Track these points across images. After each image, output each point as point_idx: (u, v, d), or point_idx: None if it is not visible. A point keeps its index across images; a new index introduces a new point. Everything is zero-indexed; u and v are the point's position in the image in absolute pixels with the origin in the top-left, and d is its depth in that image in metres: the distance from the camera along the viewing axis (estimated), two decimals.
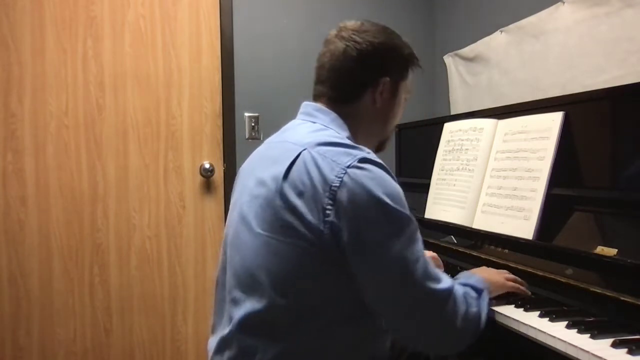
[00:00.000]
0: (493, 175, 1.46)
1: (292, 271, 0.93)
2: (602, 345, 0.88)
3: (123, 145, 2.23)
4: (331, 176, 0.91)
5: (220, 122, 2.35)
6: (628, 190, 1.12)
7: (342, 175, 0.91)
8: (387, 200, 0.91)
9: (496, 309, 1.11)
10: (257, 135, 2.38)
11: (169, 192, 2.29)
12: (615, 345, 0.87)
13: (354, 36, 1.06)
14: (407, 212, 0.94)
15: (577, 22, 1.71)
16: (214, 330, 1.09)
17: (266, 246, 0.95)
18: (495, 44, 2.14)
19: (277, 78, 2.41)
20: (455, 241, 1.57)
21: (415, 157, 2.13)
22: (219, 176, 2.34)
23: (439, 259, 1.42)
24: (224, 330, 1.01)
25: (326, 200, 0.90)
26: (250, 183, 1.04)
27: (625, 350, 0.86)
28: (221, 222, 2.36)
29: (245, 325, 0.97)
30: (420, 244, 0.95)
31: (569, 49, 1.75)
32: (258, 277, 0.95)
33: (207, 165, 2.31)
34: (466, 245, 1.50)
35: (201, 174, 2.32)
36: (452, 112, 2.45)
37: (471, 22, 2.39)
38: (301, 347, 0.95)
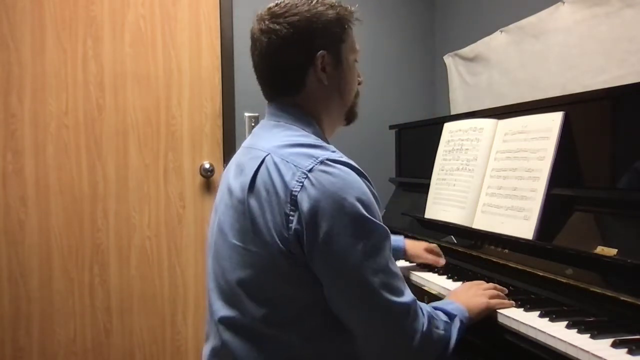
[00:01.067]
0: (493, 175, 1.46)
1: (267, 281, 0.93)
2: (602, 345, 0.88)
3: (123, 145, 2.23)
4: (292, 181, 0.89)
5: (220, 122, 2.35)
6: (628, 190, 1.12)
7: (302, 179, 0.89)
8: (351, 204, 0.88)
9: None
10: None
11: (169, 192, 2.29)
12: (615, 345, 0.87)
13: (271, 25, 0.99)
14: (374, 217, 0.91)
15: (577, 22, 1.71)
16: (207, 338, 1.08)
17: (240, 257, 0.95)
18: (495, 44, 2.14)
19: None
20: (455, 241, 1.57)
21: (415, 157, 2.13)
22: (219, 176, 2.34)
23: (438, 249, 1.48)
24: (214, 340, 1.02)
25: (288, 207, 0.88)
26: (225, 191, 1.04)
27: (625, 350, 0.86)
28: None
29: (232, 336, 0.96)
30: (386, 253, 0.92)
31: (569, 49, 1.75)
32: (237, 289, 0.95)
33: (207, 165, 2.31)
34: (466, 245, 1.50)
35: (201, 174, 2.32)
36: (452, 112, 2.45)
37: (471, 22, 2.39)
38: (287, 356, 0.94)
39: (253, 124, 2.38)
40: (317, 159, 0.91)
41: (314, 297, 0.93)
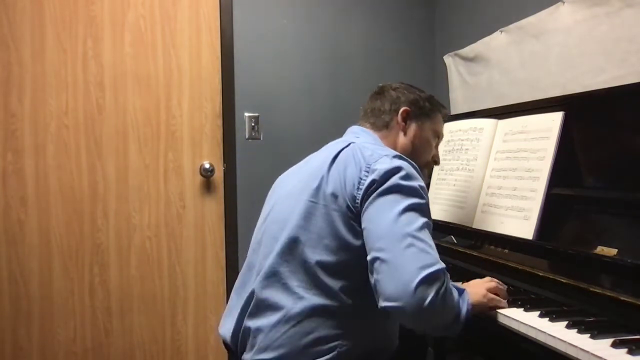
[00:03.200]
0: (493, 175, 1.46)
1: (325, 232, 1.08)
2: (602, 345, 0.88)
3: (123, 145, 2.23)
4: (370, 158, 1.10)
5: (220, 122, 2.35)
6: (628, 190, 1.12)
7: (379, 158, 1.10)
8: (412, 174, 1.07)
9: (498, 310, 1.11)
10: (257, 135, 2.38)
11: (169, 192, 2.29)
12: (615, 345, 0.87)
13: (390, 88, 1.36)
14: (424, 193, 1.08)
15: (577, 22, 1.71)
16: (230, 310, 1.22)
17: (311, 209, 1.11)
18: (495, 44, 2.14)
19: (277, 78, 2.42)
20: (455, 241, 1.57)
21: None
22: (219, 176, 2.34)
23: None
24: (256, 280, 1.15)
25: (363, 173, 1.08)
26: (304, 170, 1.24)
27: (625, 350, 0.86)
28: (221, 222, 2.36)
29: (273, 275, 1.11)
30: (422, 220, 1.03)
31: (569, 49, 1.75)
32: (295, 235, 1.10)
33: (207, 165, 2.31)
34: (466, 245, 1.50)
35: (201, 174, 2.32)
36: (452, 112, 2.45)
37: (471, 22, 2.39)
38: (322, 310, 1.06)
39: (253, 124, 2.38)
40: (391, 153, 1.13)
41: (359, 256, 1.05)
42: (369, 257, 1.02)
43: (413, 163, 1.13)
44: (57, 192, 2.15)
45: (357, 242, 1.07)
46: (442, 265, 0.99)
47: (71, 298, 2.17)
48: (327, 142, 1.31)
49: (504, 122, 1.48)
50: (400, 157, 1.12)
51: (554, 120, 1.28)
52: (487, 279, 1.20)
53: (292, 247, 1.11)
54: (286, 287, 1.09)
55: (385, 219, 1.02)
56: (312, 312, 1.06)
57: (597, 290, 1.04)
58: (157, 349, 2.29)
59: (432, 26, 2.71)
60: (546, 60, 1.86)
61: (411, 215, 1.02)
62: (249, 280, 1.18)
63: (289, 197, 1.19)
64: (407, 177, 1.07)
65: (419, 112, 1.33)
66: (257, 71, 2.39)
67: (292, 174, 1.29)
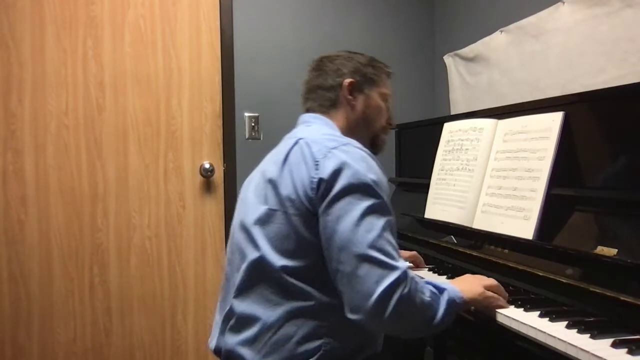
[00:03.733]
0: (493, 175, 1.46)
1: (288, 237, 1.06)
2: (602, 345, 0.88)
3: (123, 145, 2.23)
4: (318, 154, 1.06)
5: (220, 122, 2.35)
6: (628, 190, 1.12)
7: (327, 152, 1.06)
8: (361, 170, 1.03)
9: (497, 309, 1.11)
10: (257, 135, 2.38)
11: (169, 192, 2.29)
12: (615, 345, 0.87)
13: (322, 62, 1.31)
14: (379, 189, 1.04)
15: (577, 22, 1.71)
16: (216, 325, 1.19)
17: (266, 217, 1.09)
18: (495, 44, 2.14)
19: (277, 78, 2.42)
20: (455, 241, 1.57)
21: (415, 157, 2.13)
22: (219, 176, 2.34)
23: (419, 256, 1.54)
24: (230, 296, 1.13)
25: (312, 172, 1.05)
26: (256, 177, 1.20)
27: (625, 350, 0.86)
28: (221, 222, 2.36)
29: (244, 289, 1.10)
30: (382, 221, 1.01)
31: (569, 49, 1.75)
32: (259, 244, 1.08)
33: (207, 165, 2.31)
34: (466, 245, 1.50)
35: (201, 174, 2.32)
36: (452, 112, 2.45)
37: (471, 22, 2.39)
38: (300, 312, 1.04)
39: (253, 124, 2.38)
40: (341, 142, 1.09)
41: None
42: (330, 266, 1.02)
43: (362, 149, 1.10)
44: (57, 192, 2.15)
45: (320, 245, 1.05)
46: (400, 270, 0.97)
47: (71, 298, 2.17)
48: None
49: (504, 122, 1.48)
50: (346, 146, 1.08)
51: (554, 120, 1.28)
52: (485, 277, 1.19)
53: (258, 259, 1.08)
54: (260, 298, 1.07)
55: (342, 228, 0.99)
56: (290, 316, 1.05)
57: (597, 290, 1.04)
58: (157, 349, 2.29)
59: (432, 26, 2.71)
60: (546, 60, 1.86)
61: (368, 220, 1.00)
62: (228, 296, 1.16)
63: (249, 206, 1.15)
64: (355, 174, 1.03)
65: (363, 80, 1.27)
66: (257, 71, 2.39)
67: (252, 180, 1.24)
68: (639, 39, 1.50)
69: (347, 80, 1.25)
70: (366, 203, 1.01)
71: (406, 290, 0.97)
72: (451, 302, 1.04)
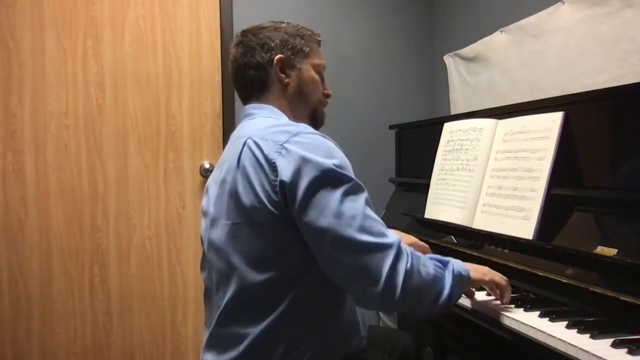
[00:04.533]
0: (493, 175, 1.46)
1: (261, 247, 1.02)
2: (602, 345, 0.88)
3: (123, 145, 2.23)
4: (271, 154, 1.00)
5: (220, 122, 2.35)
6: (628, 190, 1.12)
7: (280, 150, 1.00)
8: (321, 159, 0.98)
9: (496, 308, 1.11)
10: None
11: (169, 192, 2.29)
12: (615, 345, 0.87)
13: (242, 38, 1.24)
14: (345, 171, 1.00)
15: (577, 22, 1.71)
16: (207, 328, 1.15)
17: (234, 233, 1.04)
18: (495, 44, 2.14)
19: None
20: (455, 241, 1.57)
21: (415, 157, 2.13)
22: None
23: (421, 243, 1.39)
24: (212, 322, 1.09)
25: (271, 176, 0.99)
26: (212, 186, 1.15)
27: (625, 350, 0.86)
28: None
29: (227, 313, 1.05)
30: (361, 199, 0.99)
31: (569, 49, 1.75)
32: (233, 263, 1.03)
33: (207, 165, 2.31)
34: (466, 245, 1.50)
35: (201, 174, 2.32)
36: (452, 112, 2.45)
37: (471, 22, 2.39)
38: (284, 320, 1.01)
39: None
40: (291, 133, 1.02)
41: (305, 255, 1.01)
42: (326, 265, 1.00)
43: (314, 132, 1.04)
44: (57, 192, 2.15)
45: (296, 247, 1.01)
46: (395, 245, 0.97)
47: (71, 298, 2.17)
48: None
49: (504, 122, 1.48)
50: (297, 136, 1.01)
51: (554, 120, 1.28)
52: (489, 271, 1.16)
53: (238, 287, 1.04)
54: (245, 318, 1.04)
55: (326, 224, 0.96)
56: (275, 327, 1.02)
57: (597, 290, 1.04)
58: (157, 349, 2.29)
59: (432, 26, 2.71)
60: (546, 60, 1.86)
61: (347, 206, 0.97)
62: (213, 313, 1.12)
63: (215, 223, 1.10)
64: (317, 166, 0.97)
65: (293, 54, 1.19)
66: None
67: (209, 189, 1.18)
68: (639, 39, 1.50)
69: (277, 57, 1.16)
70: (339, 191, 0.97)
71: (409, 265, 0.96)
72: (457, 275, 1.03)
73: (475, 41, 2.27)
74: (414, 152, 2.15)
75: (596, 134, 1.23)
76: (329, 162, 0.98)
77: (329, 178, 0.98)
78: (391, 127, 2.26)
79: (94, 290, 2.20)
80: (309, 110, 1.22)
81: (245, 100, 1.25)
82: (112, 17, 2.20)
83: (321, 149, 1.01)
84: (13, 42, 2.09)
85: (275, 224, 1.00)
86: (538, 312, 1.06)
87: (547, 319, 1.02)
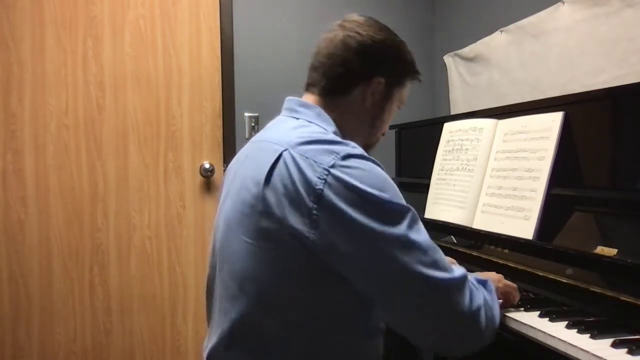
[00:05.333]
0: (493, 175, 1.46)
1: (277, 279, 0.89)
2: (602, 345, 0.88)
3: (123, 145, 2.23)
4: (314, 178, 0.85)
5: (220, 122, 2.35)
6: (628, 190, 1.12)
7: (325, 176, 0.85)
8: (377, 192, 0.85)
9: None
10: None
11: (169, 192, 2.29)
12: (615, 345, 0.87)
13: (356, 28, 1.04)
14: (402, 201, 0.88)
15: (577, 22, 1.71)
16: (208, 336, 1.06)
17: (251, 254, 0.91)
18: (495, 44, 2.14)
19: (277, 78, 2.42)
20: (455, 241, 1.57)
21: (415, 157, 2.13)
22: (219, 176, 2.34)
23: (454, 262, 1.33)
24: (214, 339, 0.99)
25: (311, 205, 0.84)
26: (234, 186, 1.00)
27: (625, 350, 0.86)
28: None
29: (233, 337, 0.94)
30: (422, 234, 0.87)
31: (569, 49, 1.75)
32: (245, 287, 0.92)
33: (207, 165, 2.31)
34: (466, 245, 1.50)
35: (201, 174, 2.32)
36: (452, 112, 2.45)
37: (471, 22, 2.39)
38: (294, 354, 0.92)
39: (253, 124, 2.38)
40: (338, 154, 0.87)
41: (325, 294, 0.90)
42: (388, 313, 0.90)
43: (365, 157, 0.90)
44: (57, 192, 2.15)
45: (320, 291, 0.89)
46: (462, 272, 0.88)
47: (71, 298, 2.17)
48: None
49: (504, 122, 1.48)
50: (347, 160, 0.87)
51: (554, 120, 1.28)
52: (501, 278, 1.13)
53: (242, 304, 0.92)
54: (248, 351, 0.93)
55: (392, 267, 0.84)
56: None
57: (597, 290, 1.03)
58: (157, 349, 2.29)
59: (432, 26, 2.71)
60: (546, 60, 1.86)
61: (413, 241, 0.84)
62: (212, 316, 1.04)
63: (228, 229, 0.97)
64: (368, 202, 0.84)
65: (392, 81, 1.06)
66: (257, 71, 2.39)
67: (226, 202, 1.02)
68: (638, 39, 1.50)
69: (379, 80, 1.03)
70: (402, 225, 0.85)
71: (484, 296, 0.90)
72: (494, 293, 0.98)
73: (475, 41, 2.27)
74: (414, 152, 2.15)
75: (596, 134, 1.23)
76: (384, 195, 0.85)
77: (386, 213, 0.85)
78: (391, 127, 2.26)
79: (94, 290, 2.20)
80: (364, 141, 1.06)
81: (307, 86, 1.08)
82: (112, 17, 2.20)
83: (372, 178, 0.86)
84: (13, 42, 2.09)
85: (297, 259, 0.87)
86: (538, 312, 1.06)
87: (547, 319, 1.02)
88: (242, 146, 2.60)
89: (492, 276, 1.09)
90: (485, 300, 0.91)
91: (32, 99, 2.12)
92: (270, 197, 0.88)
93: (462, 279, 0.87)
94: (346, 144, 0.91)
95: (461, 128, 1.67)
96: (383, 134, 1.13)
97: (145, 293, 2.26)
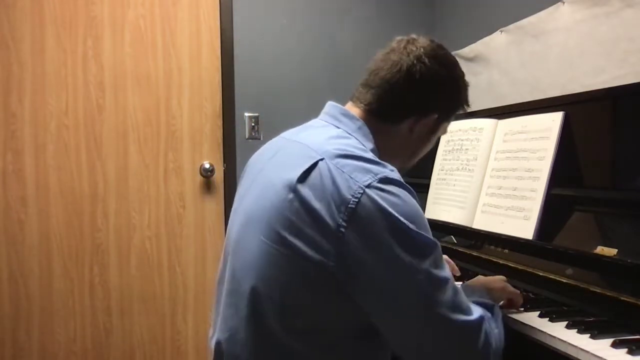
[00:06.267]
0: (493, 175, 1.46)
1: (289, 287, 0.87)
2: (602, 345, 0.88)
3: (123, 145, 2.23)
4: (347, 195, 0.82)
5: (220, 122, 2.35)
6: (628, 190, 1.12)
7: (359, 195, 0.81)
8: (408, 224, 0.82)
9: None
10: (257, 135, 2.38)
11: (169, 192, 2.29)
12: (615, 345, 0.87)
13: (423, 57, 0.98)
14: (430, 236, 0.85)
15: (577, 22, 1.71)
16: (213, 325, 1.05)
17: (267, 257, 0.88)
18: (495, 44, 2.14)
19: (277, 78, 2.42)
20: (455, 241, 1.57)
21: None
22: (219, 176, 2.34)
23: (452, 262, 1.34)
24: (219, 333, 0.98)
25: (340, 220, 0.81)
26: (259, 182, 0.97)
27: (625, 350, 0.86)
28: (221, 222, 2.36)
29: (235, 338, 0.93)
30: (446, 271, 0.86)
31: (569, 49, 1.75)
32: (256, 289, 0.89)
33: (207, 165, 2.31)
34: (466, 245, 1.50)
35: (201, 174, 2.32)
36: None
37: (471, 22, 2.39)
38: None
39: (253, 124, 2.38)
40: (376, 175, 0.84)
41: (336, 312, 0.88)
42: (401, 351, 0.88)
43: (401, 184, 0.87)
44: (57, 192, 2.15)
45: (329, 306, 0.86)
46: (480, 315, 0.87)
47: (71, 298, 2.17)
48: None
49: (504, 122, 1.48)
50: (384, 183, 0.84)
51: (554, 120, 1.28)
52: (505, 285, 1.12)
53: (255, 312, 0.89)
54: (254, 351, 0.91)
55: (410, 304, 0.82)
56: None
57: (597, 290, 1.04)
58: (157, 349, 2.29)
59: (432, 26, 2.71)
60: (546, 60, 1.86)
61: (435, 281, 0.83)
62: (216, 331, 1.02)
63: (247, 224, 0.94)
64: (399, 232, 0.81)
65: (443, 116, 1.04)
66: (257, 71, 2.39)
67: (246, 200, 0.99)
68: (639, 39, 1.50)
69: (434, 117, 1.00)
70: (422, 262, 0.82)
71: (496, 336, 0.89)
72: (500, 316, 0.98)
73: (475, 41, 2.27)
74: None
75: (596, 134, 1.23)
76: (414, 229, 0.82)
77: (415, 245, 0.82)
78: None
79: (94, 290, 2.20)
80: (398, 165, 0.98)
81: (353, 97, 1.03)
82: (112, 17, 2.20)
83: (408, 208, 0.84)
84: (13, 42, 2.09)
85: (314, 272, 0.84)
86: (538, 312, 1.06)
87: (547, 319, 1.02)
88: (242, 146, 2.60)
89: (496, 284, 1.07)
90: (496, 335, 0.90)
91: (32, 99, 2.12)
92: (298, 203, 0.85)
93: (479, 322, 0.86)
94: (384, 166, 0.88)
95: (461, 128, 1.67)
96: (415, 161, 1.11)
97: (145, 293, 2.26)
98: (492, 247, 1.40)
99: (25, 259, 2.12)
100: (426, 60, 0.98)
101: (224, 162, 2.34)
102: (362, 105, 1.00)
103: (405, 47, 1.01)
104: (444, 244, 1.58)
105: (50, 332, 2.15)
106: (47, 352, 2.15)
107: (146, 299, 2.26)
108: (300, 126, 1.05)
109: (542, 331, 0.97)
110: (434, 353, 0.86)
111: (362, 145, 0.94)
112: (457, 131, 1.69)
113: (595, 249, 1.09)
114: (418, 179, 1.93)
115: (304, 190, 0.85)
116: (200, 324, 2.34)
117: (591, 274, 1.08)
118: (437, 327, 0.84)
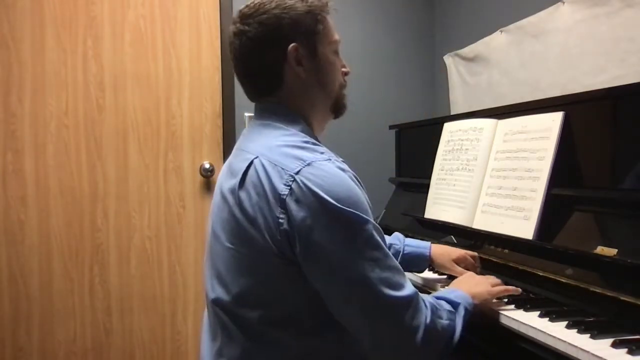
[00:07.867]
0: (493, 175, 1.46)
1: (260, 282, 0.93)
2: (602, 345, 0.88)
3: (123, 145, 2.23)
4: (280, 185, 0.89)
5: (220, 122, 2.35)
6: (628, 190, 1.12)
7: (290, 182, 0.88)
8: (335, 202, 0.87)
9: (496, 309, 1.11)
10: None
11: (169, 192, 2.29)
12: (615, 345, 0.87)
13: (241, 27, 1.00)
14: (362, 213, 0.89)
15: (577, 22, 1.71)
16: (205, 326, 1.11)
17: (234, 259, 0.95)
18: (495, 44, 2.14)
19: None
20: (455, 241, 1.57)
21: (415, 157, 2.13)
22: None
23: (471, 253, 1.37)
24: (212, 334, 1.03)
25: (278, 210, 0.88)
26: (218, 194, 1.05)
27: (625, 350, 0.86)
28: None
29: (228, 335, 0.97)
30: (380, 247, 0.91)
31: (569, 49, 1.75)
32: (232, 291, 0.96)
33: (207, 165, 2.31)
34: (466, 245, 1.50)
35: (201, 174, 2.32)
36: (452, 112, 2.45)
37: (471, 22, 2.39)
38: (281, 355, 0.95)
39: None
40: (304, 161, 0.90)
41: (305, 296, 0.93)
42: (338, 317, 0.92)
43: (331, 159, 0.92)
44: (57, 192, 2.15)
45: (300, 290, 0.92)
46: (411, 292, 0.91)
47: (71, 298, 2.17)
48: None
49: (504, 122, 1.48)
50: (311, 167, 0.89)
51: (554, 120, 1.28)
52: (492, 280, 1.17)
53: (229, 311, 0.96)
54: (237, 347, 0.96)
55: (340, 277, 0.88)
56: None
57: (597, 290, 1.04)
58: (157, 349, 2.29)
59: (432, 26, 2.71)
60: (546, 60, 1.86)
61: (367, 256, 0.88)
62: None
63: (214, 235, 1.02)
64: (332, 208, 0.86)
65: (307, 37, 1.00)
66: None
67: (215, 205, 1.06)
68: (639, 39, 1.50)
69: (290, 47, 0.98)
70: (351, 241, 0.88)
71: (428, 320, 0.92)
72: (466, 314, 1.01)
73: (475, 41, 2.27)
74: (414, 152, 2.15)
75: (596, 134, 1.23)
76: (346, 206, 0.87)
77: (346, 224, 0.88)
78: (391, 127, 2.26)
79: (94, 290, 2.20)
80: (331, 100, 1.07)
81: (254, 98, 1.07)
82: (112, 17, 2.20)
83: (338, 186, 0.89)
84: (13, 42, 2.09)
85: (272, 261, 0.91)
86: (538, 312, 1.06)
87: (547, 319, 1.02)
88: None
89: (478, 289, 1.10)
90: (443, 324, 0.94)
91: (32, 99, 2.12)
92: (245, 204, 0.92)
93: (408, 299, 0.90)
94: (314, 150, 0.94)
95: (461, 128, 1.67)
96: (346, 74, 1.11)
97: (145, 293, 2.26)
98: (492, 247, 1.40)
99: (25, 259, 2.12)
100: (245, 26, 1.00)
101: (224, 162, 2.34)
102: (259, 98, 1.06)
103: (233, 32, 1.04)
104: (444, 244, 1.58)
105: (50, 332, 2.15)
106: (47, 352, 2.15)
107: (146, 299, 2.26)
108: (243, 132, 1.13)
109: (542, 331, 0.97)
110: (363, 326, 0.91)
111: (291, 130, 0.99)
112: (457, 131, 1.69)
113: (595, 249, 1.09)
114: (418, 179, 1.93)
115: (247, 190, 0.92)
116: (200, 324, 2.34)
117: (591, 274, 1.08)
118: (365, 300, 0.89)
